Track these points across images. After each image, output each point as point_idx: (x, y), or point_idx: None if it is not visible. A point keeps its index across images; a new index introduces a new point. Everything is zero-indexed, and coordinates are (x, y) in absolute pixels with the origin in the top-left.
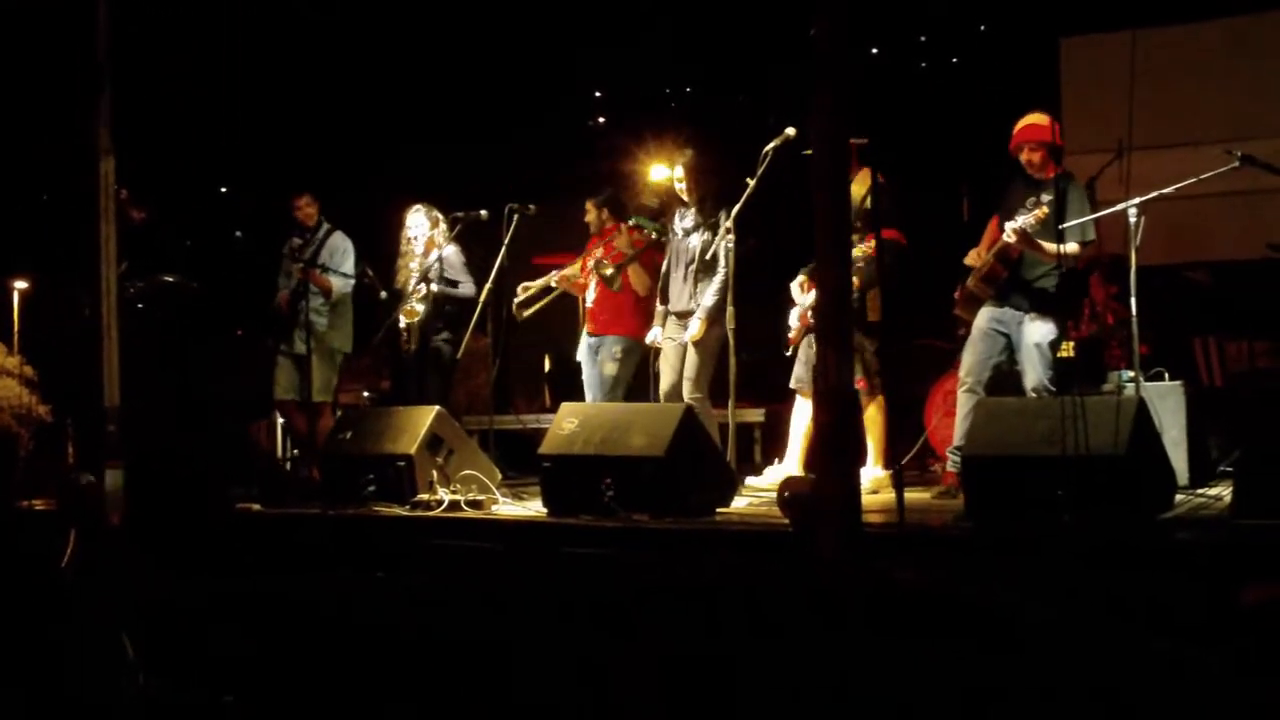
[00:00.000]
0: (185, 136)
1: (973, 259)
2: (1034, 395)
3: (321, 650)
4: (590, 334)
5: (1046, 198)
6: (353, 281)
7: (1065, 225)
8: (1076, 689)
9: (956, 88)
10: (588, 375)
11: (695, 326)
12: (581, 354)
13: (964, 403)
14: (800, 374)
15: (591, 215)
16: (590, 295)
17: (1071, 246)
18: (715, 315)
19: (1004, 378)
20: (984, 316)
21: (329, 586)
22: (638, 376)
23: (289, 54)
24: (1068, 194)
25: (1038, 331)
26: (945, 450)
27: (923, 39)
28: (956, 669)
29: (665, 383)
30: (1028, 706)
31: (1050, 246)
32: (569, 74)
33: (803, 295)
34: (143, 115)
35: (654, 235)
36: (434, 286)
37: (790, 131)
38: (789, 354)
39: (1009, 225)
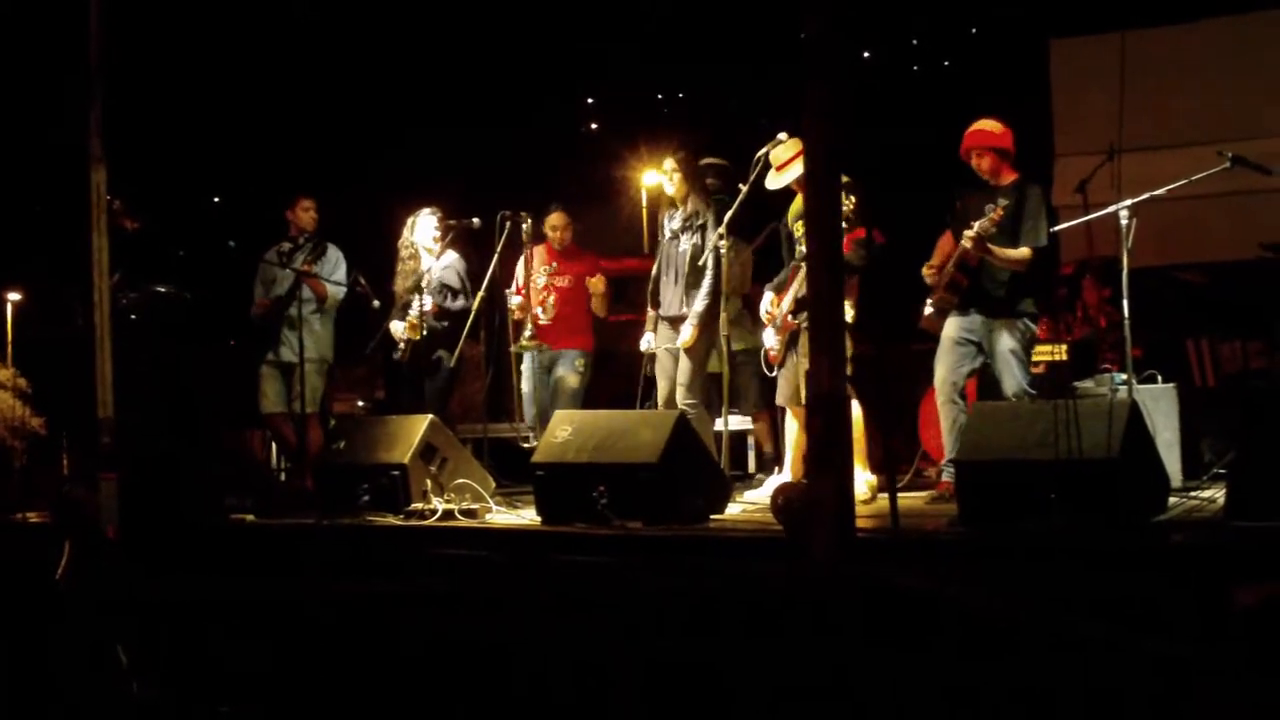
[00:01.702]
0: (179, 146)
1: (927, 273)
2: (1014, 400)
3: (317, 659)
4: (538, 349)
5: (1004, 202)
6: (344, 290)
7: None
8: (1070, 692)
9: (947, 90)
10: (529, 392)
11: (687, 333)
12: (525, 369)
13: (946, 415)
14: (785, 386)
15: (562, 226)
16: (547, 312)
17: (1024, 251)
18: (707, 320)
19: (990, 385)
20: (951, 326)
21: (324, 596)
22: (629, 383)
23: (282, 64)
24: (1025, 198)
25: (1009, 338)
26: (938, 457)
27: (914, 42)
28: (951, 673)
29: (662, 390)
30: (1022, 710)
31: (1007, 251)
32: (561, 80)
33: (777, 309)
34: (136, 125)
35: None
36: (438, 301)
37: (783, 136)
38: (773, 374)
39: (966, 232)
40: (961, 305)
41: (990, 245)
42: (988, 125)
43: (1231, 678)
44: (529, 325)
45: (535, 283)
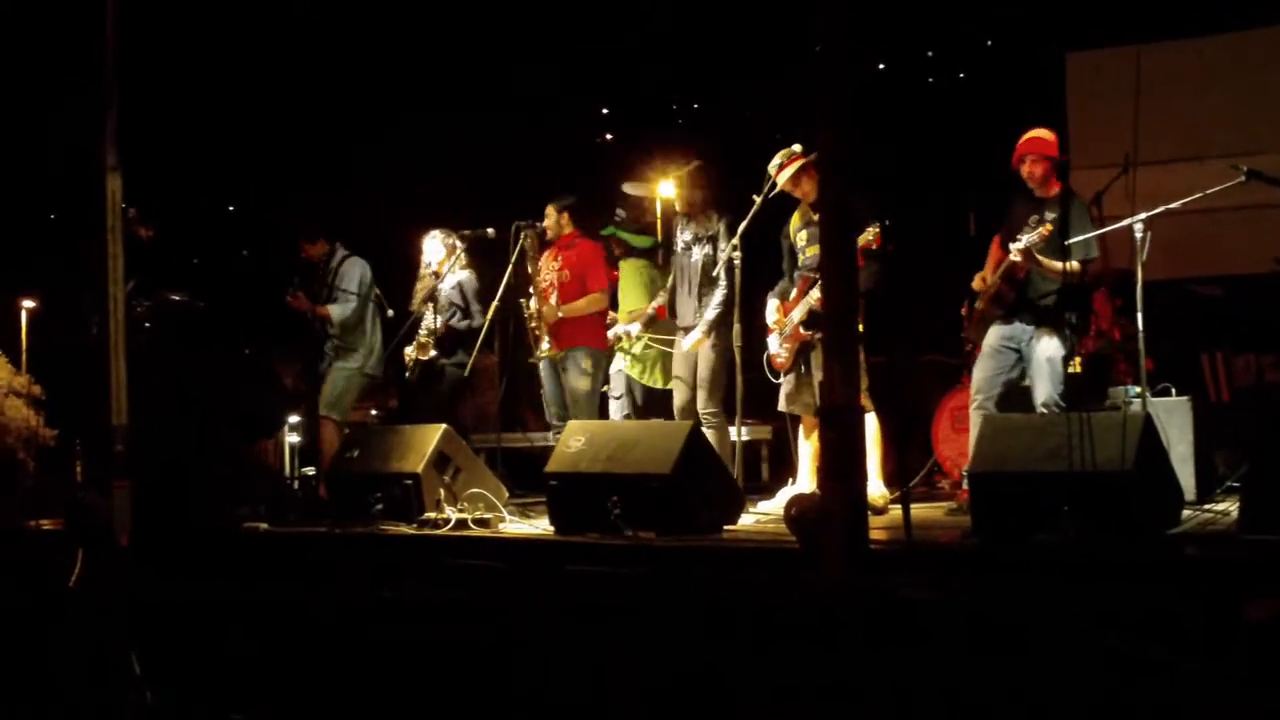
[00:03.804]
0: (193, 154)
1: (979, 284)
2: (1044, 410)
3: (329, 668)
4: (550, 349)
5: (1051, 215)
6: (352, 304)
7: (1071, 241)
8: (1081, 704)
9: (963, 103)
10: (550, 392)
11: (694, 336)
12: (543, 370)
13: (977, 421)
14: (794, 394)
15: (550, 220)
16: (550, 313)
17: (1074, 264)
18: (717, 327)
19: (1017, 394)
20: (993, 334)
21: (336, 604)
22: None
23: (299, 70)
24: (1070, 211)
25: (1049, 347)
26: (953, 467)
27: (930, 54)
28: (963, 684)
29: (679, 399)
30: None
31: (1055, 264)
32: (578, 90)
33: (785, 316)
34: (150, 132)
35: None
36: (450, 321)
37: (797, 147)
38: (776, 380)
39: (1013, 246)
40: (1006, 315)
41: (1040, 258)
42: (1044, 134)
43: (1239, 692)
44: (545, 335)
45: (540, 283)
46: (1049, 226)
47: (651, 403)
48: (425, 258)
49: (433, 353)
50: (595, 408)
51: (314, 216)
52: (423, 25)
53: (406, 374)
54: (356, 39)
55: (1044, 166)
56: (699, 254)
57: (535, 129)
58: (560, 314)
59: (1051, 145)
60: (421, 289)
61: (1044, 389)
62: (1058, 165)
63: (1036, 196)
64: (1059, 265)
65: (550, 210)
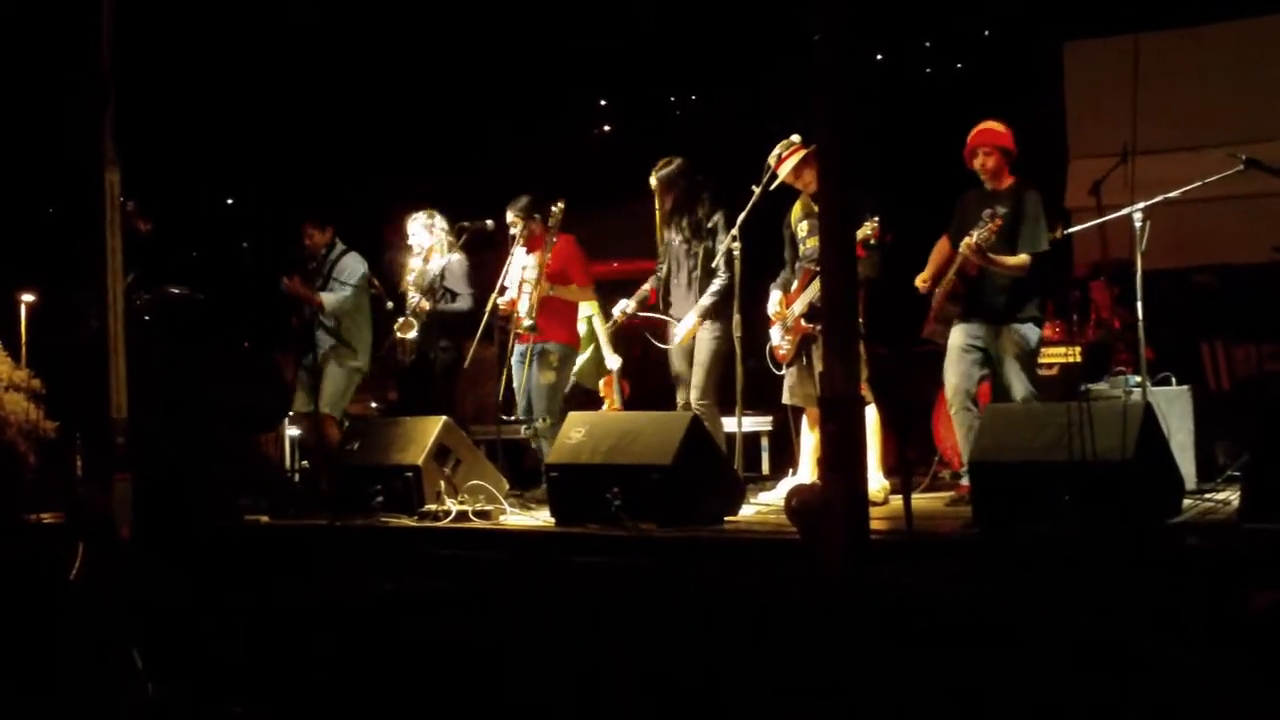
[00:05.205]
0: (192, 148)
1: (922, 284)
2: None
3: (331, 660)
4: (522, 341)
5: (1002, 210)
6: (346, 293)
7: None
8: (1081, 697)
9: (960, 93)
10: (519, 383)
11: (688, 322)
12: (513, 361)
13: (960, 423)
14: (796, 386)
15: (519, 225)
16: (525, 304)
17: (1023, 258)
18: (712, 316)
19: (999, 388)
20: (958, 335)
21: (336, 597)
22: (644, 385)
23: (297, 64)
24: (1024, 203)
25: (1013, 343)
26: (953, 456)
27: (927, 44)
28: (963, 676)
29: (681, 399)
30: (1033, 714)
31: (1004, 259)
32: (576, 81)
33: (786, 309)
34: (149, 126)
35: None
36: (438, 304)
37: (796, 138)
38: (780, 372)
39: (965, 240)
40: (964, 313)
41: (990, 254)
42: (995, 125)
43: (1238, 683)
44: (524, 317)
45: (524, 279)
46: (999, 220)
47: (589, 402)
48: (411, 240)
49: (414, 333)
50: (559, 401)
51: (324, 205)
52: (421, 20)
53: (399, 355)
54: (354, 34)
55: (996, 158)
56: (698, 248)
57: (534, 121)
58: (551, 292)
59: (1004, 136)
60: (409, 271)
61: (1019, 385)
62: (1011, 157)
63: (988, 190)
64: (1009, 260)
65: (517, 218)
